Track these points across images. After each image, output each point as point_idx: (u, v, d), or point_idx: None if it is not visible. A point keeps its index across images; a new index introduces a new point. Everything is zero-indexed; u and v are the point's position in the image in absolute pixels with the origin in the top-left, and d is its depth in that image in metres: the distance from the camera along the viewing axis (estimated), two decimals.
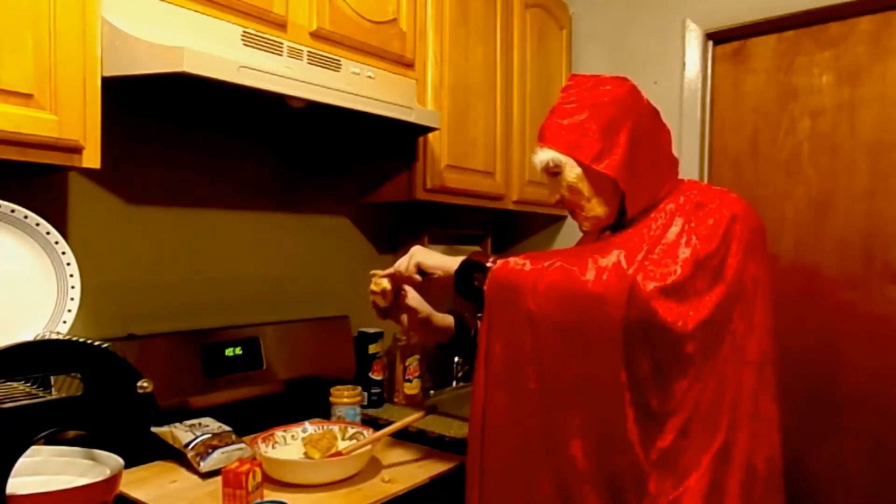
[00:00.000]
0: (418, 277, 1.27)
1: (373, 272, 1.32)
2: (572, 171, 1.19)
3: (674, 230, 1.12)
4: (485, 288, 1.17)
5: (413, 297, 1.34)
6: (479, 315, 1.41)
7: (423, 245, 1.39)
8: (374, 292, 1.30)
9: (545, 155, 1.22)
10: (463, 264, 1.23)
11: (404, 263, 1.28)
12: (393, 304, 1.32)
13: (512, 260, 1.16)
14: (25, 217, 1.13)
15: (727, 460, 1.07)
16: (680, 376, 1.06)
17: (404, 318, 1.35)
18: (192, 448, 1.34)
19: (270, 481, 1.29)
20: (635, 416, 1.06)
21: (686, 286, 1.05)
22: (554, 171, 1.22)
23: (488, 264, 1.20)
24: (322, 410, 1.71)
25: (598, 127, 1.17)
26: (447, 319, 1.40)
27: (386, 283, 1.29)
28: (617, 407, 1.06)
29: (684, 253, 1.08)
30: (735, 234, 1.10)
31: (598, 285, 1.06)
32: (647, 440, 1.06)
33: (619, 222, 1.23)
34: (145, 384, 1.00)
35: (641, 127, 1.19)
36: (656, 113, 1.24)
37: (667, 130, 1.26)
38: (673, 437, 1.06)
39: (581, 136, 1.17)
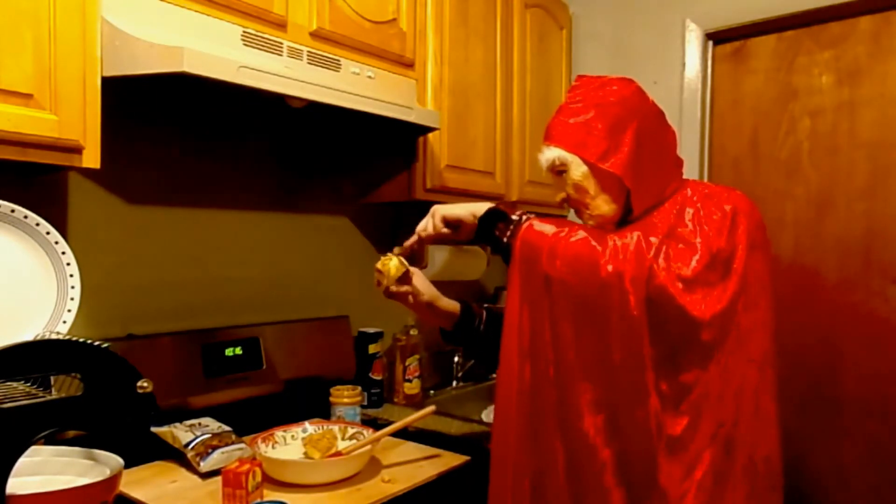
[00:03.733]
0: (446, 230, 1.26)
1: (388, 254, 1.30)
2: (578, 170, 1.20)
3: (687, 219, 1.14)
4: (514, 246, 1.16)
5: (419, 281, 1.33)
6: (487, 305, 1.42)
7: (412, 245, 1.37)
8: (378, 270, 1.28)
9: (551, 153, 1.22)
10: (489, 212, 1.22)
11: (428, 222, 1.27)
12: (396, 285, 1.29)
13: (536, 223, 1.16)
14: (25, 217, 1.13)
15: (729, 455, 1.07)
16: (691, 365, 1.07)
17: (410, 298, 1.33)
18: (192, 448, 1.34)
19: (270, 481, 1.28)
20: (654, 399, 1.06)
21: (701, 276, 1.07)
22: (560, 170, 1.23)
23: (514, 216, 1.19)
24: (322, 410, 1.71)
25: (604, 126, 1.18)
26: (454, 305, 1.39)
27: (393, 263, 1.27)
28: (638, 386, 1.06)
29: (699, 243, 1.09)
30: (741, 229, 1.11)
31: (615, 262, 1.06)
32: (660, 425, 1.07)
33: (625, 221, 1.23)
34: (145, 384, 1.00)
35: (647, 127, 1.20)
36: (662, 114, 1.25)
37: (672, 131, 1.27)
38: (682, 425, 1.06)
39: (587, 134, 1.18)
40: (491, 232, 1.21)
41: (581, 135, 1.19)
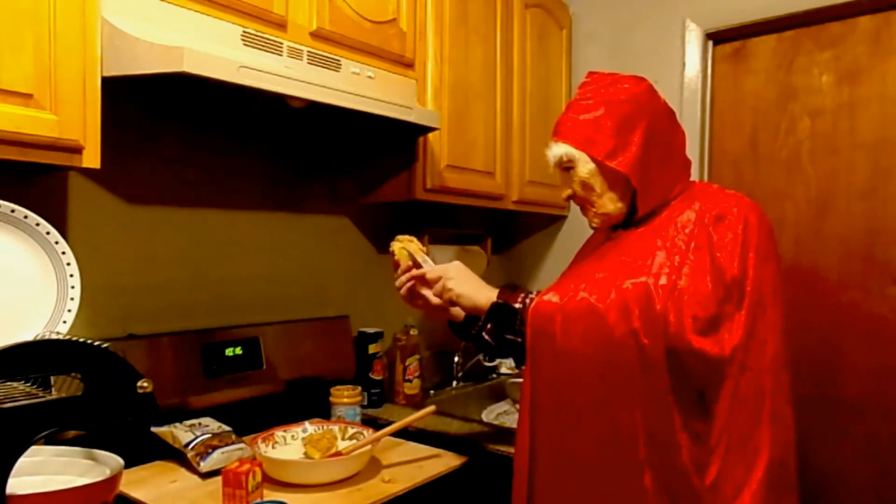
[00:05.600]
0: (447, 305, 1.32)
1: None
2: (585, 167, 1.19)
3: (696, 246, 1.11)
4: (525, 332, 1.18)
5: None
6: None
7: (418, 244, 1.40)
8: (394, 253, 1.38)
9: (559, 149, 1.22)
10: (494, 307, 1.24)
11: (438, 289, 1.30)
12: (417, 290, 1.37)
13: (542, 298, 1.17)
14: (25, 217, 1.13)
15: (750, 459, 1.08)
16: (722, 397, 1.07)
17: (427, 293, 1.37)
18: (192, 448, 1.34)
19: (270, 481, 1.28)
20: (687, 443, 1.06)
21: (718, 312, 1.06)
22: (567, 166, 1.22)
23: (517, 305, 1.21)
24: (322, 410, 1.71)
25: (613, 124, 1.17)
26: None
27: (406, 258, 1.36)
28: (671, 435, 1.06)
29: (712, 277, 1.08)
30: (752, 244, 1.11)
31: (626, 320, 1.06)
32: (699, 465, 1.07)
33: (630, 220, 1.23)
34: (145, 384, 1.00)
35: (656, 126, 1.19)
36: (672, 113, 1.24)
37: (681, 131, 1.26)
38: (721, 457, 1.06)
39: (596, 131, 1.18)
40: (502, 326, 1.24)
41: (589, 132, 1.18)
